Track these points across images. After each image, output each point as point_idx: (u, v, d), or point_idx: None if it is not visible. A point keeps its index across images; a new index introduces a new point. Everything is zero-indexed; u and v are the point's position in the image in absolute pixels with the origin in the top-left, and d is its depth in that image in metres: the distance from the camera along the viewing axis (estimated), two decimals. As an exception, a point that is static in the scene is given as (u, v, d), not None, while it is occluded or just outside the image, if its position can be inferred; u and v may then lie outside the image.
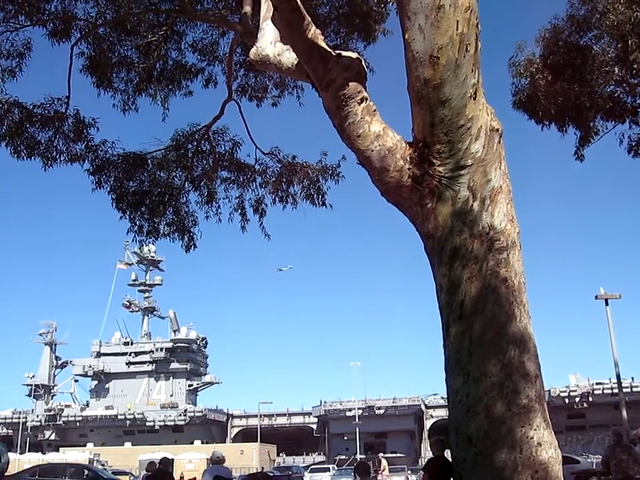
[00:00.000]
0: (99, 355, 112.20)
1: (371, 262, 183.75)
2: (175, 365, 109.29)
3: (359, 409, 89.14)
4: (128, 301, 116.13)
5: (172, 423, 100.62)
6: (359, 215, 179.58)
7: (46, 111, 12.06)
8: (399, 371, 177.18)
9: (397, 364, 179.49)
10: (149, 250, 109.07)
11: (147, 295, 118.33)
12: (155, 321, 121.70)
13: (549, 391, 78.95)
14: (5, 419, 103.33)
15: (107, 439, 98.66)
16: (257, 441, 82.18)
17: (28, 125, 12.02)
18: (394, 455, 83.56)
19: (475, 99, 5.67)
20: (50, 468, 31.72)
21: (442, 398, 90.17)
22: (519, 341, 5.48)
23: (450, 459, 9.37)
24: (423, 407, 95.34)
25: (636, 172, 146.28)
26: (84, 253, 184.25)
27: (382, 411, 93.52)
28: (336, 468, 58.81)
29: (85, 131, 12.49)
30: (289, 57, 7.27)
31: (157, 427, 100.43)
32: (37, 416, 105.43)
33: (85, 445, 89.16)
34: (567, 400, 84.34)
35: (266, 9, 8.06)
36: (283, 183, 13.69)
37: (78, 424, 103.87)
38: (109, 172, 12.79)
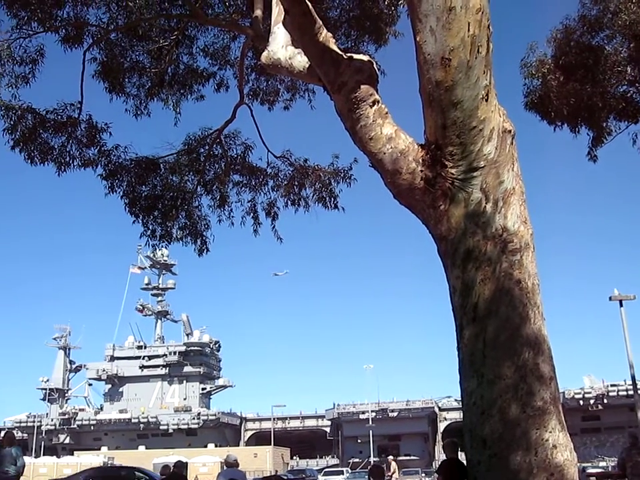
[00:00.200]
0: (112, 358, 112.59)
1: (383, 265, 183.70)
2: (188, 369, 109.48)
3: (372, 411, 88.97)
4: (141, 305, 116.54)
5: (185, 427, 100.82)
6: (371, 218, 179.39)
7: (59, 117, 12.13)
8: (412, 373, 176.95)
9: (410, 366, 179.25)
10: (161, 254, 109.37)
11: (159, 298, 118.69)
12: (168, 324, 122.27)
13: (563, 392, 78.49)
14: (20, 422, 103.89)
15: (121, 442, 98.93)
16: (270, 444, 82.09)
17: (41, 131, 12.09)
18: (408, 457, 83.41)
19: (487, 100, 5.66)
20: (102, 471, 31.96)
21: (455, 400, 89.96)
22: (533, 342, 5.46)
23: (464, 461, 9.35)
24: (436, 409, 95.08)
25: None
26: (97, 256, 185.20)
27: (395, 414, 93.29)
28: (349, 471, 58.75)
29: (97, 136, 12.55)
30: (300, 61, 7.28)
31: (170, 431, 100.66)
32: (52, 420, 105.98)
33: (99, 449, 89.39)
34: (581, 402, 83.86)
35: (277, 12, 8.08)
36: (295, 186, 13.70)
37: (92, 427, 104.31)
38: (122, 176, 12.85)
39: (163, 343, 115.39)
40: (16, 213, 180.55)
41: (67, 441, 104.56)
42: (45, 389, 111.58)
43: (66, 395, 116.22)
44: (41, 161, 12.16)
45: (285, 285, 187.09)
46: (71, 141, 12.40)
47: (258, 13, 9.88)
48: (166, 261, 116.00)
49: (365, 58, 6.42)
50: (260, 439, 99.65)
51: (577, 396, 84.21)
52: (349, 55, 6.36)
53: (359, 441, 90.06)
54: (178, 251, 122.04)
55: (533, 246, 5.81)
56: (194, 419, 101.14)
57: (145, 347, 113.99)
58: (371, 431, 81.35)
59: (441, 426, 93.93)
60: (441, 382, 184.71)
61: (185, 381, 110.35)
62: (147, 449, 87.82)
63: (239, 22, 12.60)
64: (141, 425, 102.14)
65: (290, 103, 14.48)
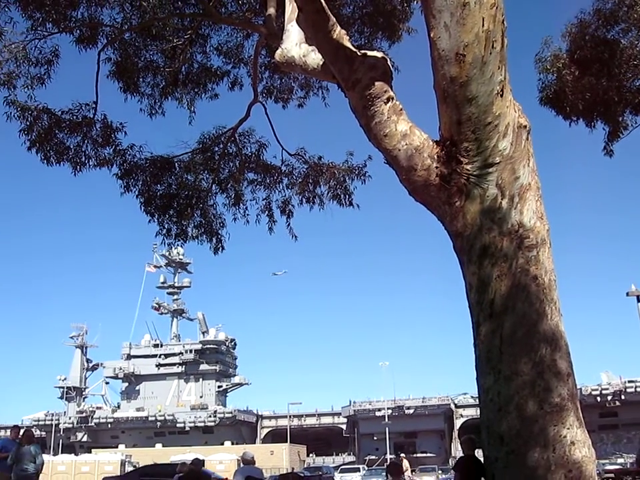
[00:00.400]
0: (129, 357, 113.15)
1: (398, 262, 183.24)
2: (204, 367, 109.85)
3: (388, 408, 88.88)
4: (157, 303, 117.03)
5: (202, 424, 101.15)
6: (386, 215, 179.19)
7: (74, 117, 12.20)
8: (428, 370, 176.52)
9: (426, 364, 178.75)
10: (177, 253, 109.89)
11: (175, 297, 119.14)
12: (184, 322, 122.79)
13: (581, 389, 77.99)
14: (38, 421, 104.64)
15: (138, 440, 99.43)
16: (286, 442, 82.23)
17: (57, 131, 12.17)
18: (424, 454, 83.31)
19: (502, 96, 5.63)
20: (158, 468, 32.34)
21: (472, 397, 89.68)
22: (551, 339, 5.44)
23: (480, 458, 9.33)
24: (452, 406, 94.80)
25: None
26: (113, 254, 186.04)
27: (411, 411, 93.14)
28: (366, 468, 58.77)
29: (112, 135, 12.61)
30: (314, 58, 7.28)
31: (187, 428, 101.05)
32: (69, 418, 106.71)
33: (116, 447, 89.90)
34: (598, 398, 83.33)
35: (290, 10, 8.08)
36: (310, 184, 13.70)
37: (109, 425, 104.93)
38: (137, 176, 12.91)
39: (179, 341, 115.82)
40: (34, 210, 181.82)
41: (85, 439, 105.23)
42: (63, 388, 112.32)
43: (83, 393, 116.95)
44: (57, 161, 12.24)
45: (301, 282, 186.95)
46: (86, 141, 12.47)
47: (271, 11, 9.89)
48: (181, 259, 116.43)
49: (379, 55, 6.41)
50: (276, 436, 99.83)
51: (594, 392, 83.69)
52: (362, 51, 6.36)
53: (375, 438, 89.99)
54: (193, 249, 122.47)
55: (550, 242, 5.78)
56: (210, 416, 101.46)
57: (161, 345, 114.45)
58: (387, 428, 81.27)
59: (457, 423, 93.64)
60: (456, 379, 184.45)
61: (201, 379, 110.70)
62: (163, 446, 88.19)
63: (252, 20, 12.62)
64: (158, 423, 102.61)
65: (304, 100, 14.49)
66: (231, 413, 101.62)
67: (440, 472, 53.62)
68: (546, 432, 5.24)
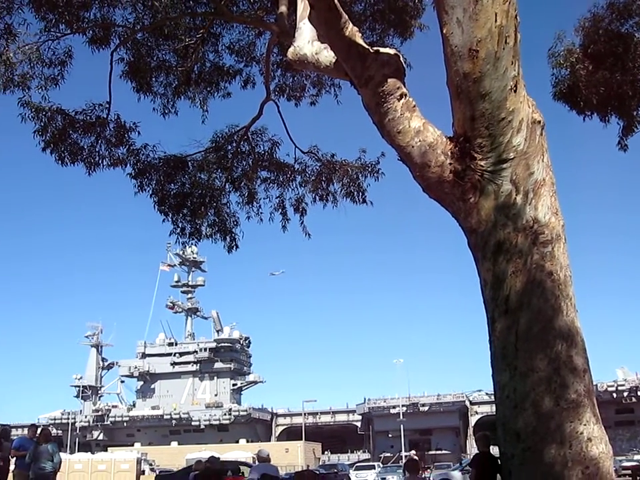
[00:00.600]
0: (144, 355, 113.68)
1: (413, 260, 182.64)
2: (218, 365, 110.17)
3: (403, 405, 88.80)
4: (171, 302, 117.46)
5: (217, 422, 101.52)
6: (400, 212, 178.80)
7: (88, 117, 12.24)
8: (442, 367, 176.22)
9: (440, 361, 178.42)
10: (191, 251, 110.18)
11: (189, 295, 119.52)
12: (198, 321, 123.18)
13: (596, 385, 77.63)
14: (55, 419, 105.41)
15: (153, 438, 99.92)
16: (301, 439, 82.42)
17: (71, 132, 12.20)
18: (439, 451, 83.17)
19: (515, 91, 5.62)
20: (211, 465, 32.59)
21: (486, 394, 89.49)
22: (566, 335, 5.42)
23: (495, 455, 9.31)
24: (467, 403, 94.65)
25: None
26: (127, 253, 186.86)
27: (426, 408, 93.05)
28: (381, 465, 58.74)
29: (126, 135, 12.64)
30: (326, 56, 7.28)
31: (202, 427, 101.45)
32: (85, 416, 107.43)
33: (132, 445, 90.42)
34: (614, 395, 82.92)
35: (302, 8, 8.08)
36: (323, 182, 13.69)
37: (125, 424, 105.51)
38: (151, 175, 12.94)
39: (194, 339, 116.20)
40: (50, 209, 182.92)
41: (101, 437, 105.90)
42: (79, 387, 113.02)
43: (99, 392, 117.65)
44: (71, 161, 12.28)
45: (315, 280, 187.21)
46: (100, 141, 12.50)
47: (283, 9, 9.89)
48: (195, 258, 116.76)
49: (392, 51, 6.40)
50: (291, 434, 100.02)
51: (610, 389, 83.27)
52: (375, 48, 6.35)
53: (390, 435, 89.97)
54: (207, 248, 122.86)
55: (565, 237, 5.76)
56: (225, 414, 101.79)
57: (176, 344, 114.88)
58: (402, 426, 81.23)
59: (472, 420, 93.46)
60: (471, 376, 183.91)
61: (215, 377, 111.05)
62: (179, 444, 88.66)
63: (264, 18, 12.63)
64: (173, 421, 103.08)
65: (316, 98, 14.47)
66: (246, 411, 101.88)
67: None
68: (562, 428, 5.22)
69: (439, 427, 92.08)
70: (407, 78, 6.39)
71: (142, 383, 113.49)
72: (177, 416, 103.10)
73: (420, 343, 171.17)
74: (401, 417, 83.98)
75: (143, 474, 48.93)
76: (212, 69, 13.62)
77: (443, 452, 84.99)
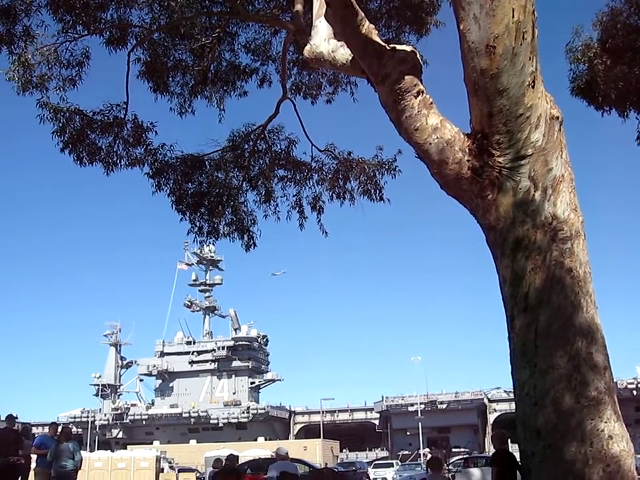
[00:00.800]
0: (162, 354, 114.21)
1: (430, 258, 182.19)
2: (236, 363, 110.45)
3: (421, 403, 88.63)
4: (189, 301, 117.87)
5: (235, 420, 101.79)
6: (417, 210, 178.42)
7: (106, 117, 12.33)
8: (460, 365, 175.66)
9: (458, 358, 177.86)
10: (208, 250, 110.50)
11: (207, 294, 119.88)
12: (216, 320, 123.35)
13: (616, 382, 76.33)
14: (75, 418, 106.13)
15: (172, 436, 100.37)
16: (319, 437, 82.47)
17: (89, 132, 12.30)
18: (458, 449, 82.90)
19: (533, 87, 5.59)
20: (261, 462, 32.95)
21: (505, 392, 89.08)
22: (586, 331, 5.39)
23: (512, 452, 9.27)
24: (485, 400, 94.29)
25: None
26: (144, 252, 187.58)
27: (444, 406, 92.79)
28: (399, 463, 58.67)
29: (143, 135, 12.72)
30: (343, 53, 7.28)
31: (220, 425, 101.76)
32: (105, 415, 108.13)
33: (151, 443, 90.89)
34: (634, 392, 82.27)
35: (318, 6, 8.09)
36: (340, 180, 13.69)
37: (144, 422, 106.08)
38: (168, 175, 13.02)
39: (212, 338, 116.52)
40: (69, 207, 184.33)
41: (120, 435, 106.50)
42: (98, 385, 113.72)
43: (118, 390, 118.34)
44: (89, 161, 12.37)
45: (333, 278, 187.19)
46: (117, 141, 12.59)
47: (298, 7, 9.90)
48: (212, 256, 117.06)
49: (408, 48, 6.40)
50: (309, 432, 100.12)
51: (630, 386, 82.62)
52: (391, 45, 6.35)
53: (408, 433, 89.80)
54: (224, 246, 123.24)
55: (584, 234, 5.73)
56: (243, 412, 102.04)
57: (194, 343, 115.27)
58: (420, 423, 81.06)
59: (491, 417, 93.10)
60: (489, 374, 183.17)
61: (233, 376, 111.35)
62: (197, 442, 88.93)
63: (280, 17, 12.64)
64: (192, 420, 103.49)
65: (332, 96, 14.48)
66: (264, 409, 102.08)
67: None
68: (583, 426, 5.19)
69: (457, 424, 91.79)
70: (423, 75, 6.39)
71: (160, 381, 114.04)
72: (196, 414, 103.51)
73: (437, 342, 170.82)
74: (419, 414, 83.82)
75: (162, 472, 49.14)
76: (228, 68, 13.66)
77: (462, 450, 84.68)
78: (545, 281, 5.47)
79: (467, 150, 5.84)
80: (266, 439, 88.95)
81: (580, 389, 5.25)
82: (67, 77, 11.94)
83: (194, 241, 13.79)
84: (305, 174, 13.93)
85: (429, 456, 33.94)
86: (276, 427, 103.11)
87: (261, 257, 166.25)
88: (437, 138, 5.94)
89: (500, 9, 5.42)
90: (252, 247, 13.69)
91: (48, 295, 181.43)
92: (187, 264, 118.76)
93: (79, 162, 12.30)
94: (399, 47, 6.35)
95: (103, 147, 12.50)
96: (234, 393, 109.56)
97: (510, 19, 5.42)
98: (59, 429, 15.55)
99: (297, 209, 14.00)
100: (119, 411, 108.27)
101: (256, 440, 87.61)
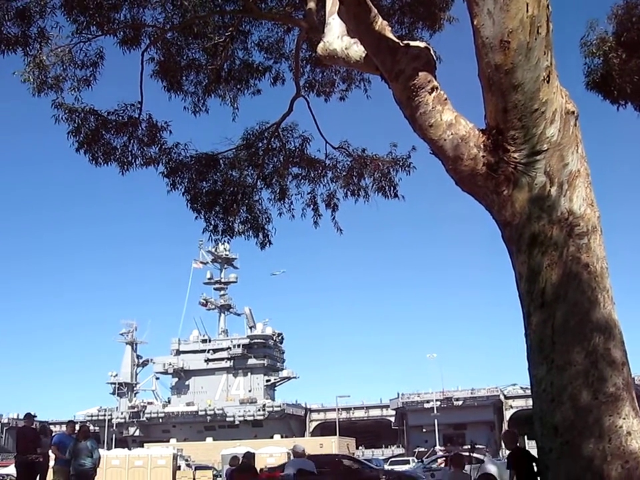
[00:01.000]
0: (178, 352, 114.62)
1: (445, 254, 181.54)
2: (252, 361, 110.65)
3: (437, 400, 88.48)
4: (204, 299, 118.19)
5: (251, 418, 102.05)
6: (433, 207, 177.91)
7: (120, 117, 12.39)
8: (476, 362, 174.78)
9: (474, 355, 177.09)
10: (223, 248, 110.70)
11: (222, 292, 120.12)
12: (231, 318, 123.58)
13: (634, 378, 76.48)
14: (92, 416, 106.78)
15: (188, 434, 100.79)
16: (335, 435, 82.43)
17: (104, 132, 12.36)
18: (467, 446, 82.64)
19: (548, 82, 5.56)
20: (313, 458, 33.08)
21: (521, 388, 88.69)
22: (604, 327, 5.36)
23: (526, 449, 9.21)
24: (502, 397, 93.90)
25: None
26: (159, 250, 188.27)
27: (460, 402, 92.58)
28: (415, 460, 58.60)
29: (158, 134, 12.77)
30: (356, 50, 7.27)
31: (236, 422, 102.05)
32: (122, 413, 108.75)
33: (168, 441, 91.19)
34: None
35: (331, 3, 8.09)
36: (354, 177, 13.69)
37: (160, 420, 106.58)
38: (183, 173, 13.07)
39: (227, 336, 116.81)
40: (85, 205, 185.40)
41: (137, 433, 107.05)
42: (114, 384, 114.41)
43: (134, 388, 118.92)
44: (104, 161, 12.43)
45: (347, 275, 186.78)
46: (132, 141, 12.64)
47: (311, 4, 9.90)
48: (227, 255, 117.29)
49: (422, 45, 6.38)
50: (325, 429, 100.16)
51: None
52: (405, 42, 6.34)
53: (424, 430, 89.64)
54: (239, 244, 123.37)
55: (601, 229, 5.70)
56: (259, 410, 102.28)
57: (210, 341, 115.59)
58: (436, 420, 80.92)
59: (507, 414, 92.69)
60: (505, 370, 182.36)
61: (249, 373, 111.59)
62: (214, 440, 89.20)
63: (293, 15, 12.64)
64: (208, 417, 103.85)
65: (346, 93, 14.47)
66: (280, 406, 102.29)
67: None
68: (601, 422, 5.17)
69: (473, 421, 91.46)
70: (437, 71, 6.37)
71: (176, 379, 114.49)
72: (212, 412, 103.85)
73: (453, 339, 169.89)
74: (435, 411, 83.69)
75: (179, 469, 49.31)
76: (241, 67, 13.69)
77: (478, 446, 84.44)
78: (561, 276, 5.45)
79: (481, 146, 5.82)
80: (282, 437, 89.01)
81: (598, 385, 5.23)
82: (82, 78, 11.99)
83: (209, 239, 13.85)
84: (319, 171, 13.94)
85: (439, 453, 33.86)
86: (292, 424, 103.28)
87: (275, 254, 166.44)
88: (452, 134, 5.92)
89: (514, 3, 5.39)
90: (267, 244, 13.72)
91: (65, 292, 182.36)
92: (201, 262, 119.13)
93: (94, 162, 12.36)
94: (412, 43, 6.35)
95: (118, 147, 12.56)
96: (250, 391, 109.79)
97: (524, 14, 5.40)
98: (77, 427, 15.65)
99: (312, 206, 14.02)
100: (136, 409, 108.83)
101: (272, 437, 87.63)
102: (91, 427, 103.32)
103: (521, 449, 9.89)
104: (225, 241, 14.28)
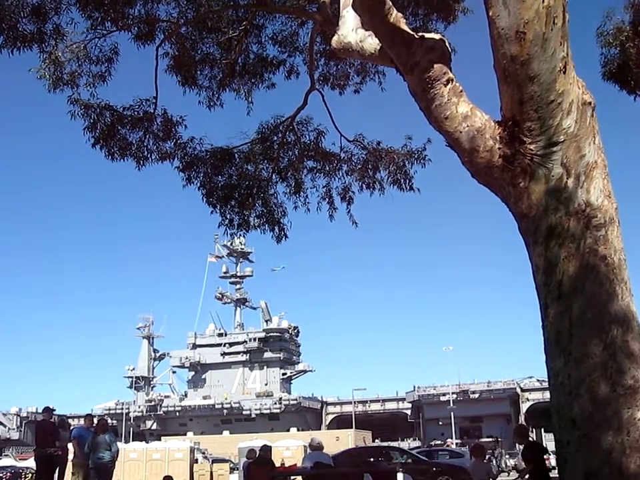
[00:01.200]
0: (194, 346, 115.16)
1: (460, 251, 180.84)
2: (268, 355, 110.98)
3: (453, 393, 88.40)
4: (220, 293, 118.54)
5: (268, 411, 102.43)
6: (450, 203, 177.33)
7: (135, 113, 12.43)
8: (492, 355, 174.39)
9: (489, 349, 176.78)
10: (239, 242, 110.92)
11: (238, 286, 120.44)
12: (247, 311, 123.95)
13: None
14: (109, 410, 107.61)
15: (205, 427, 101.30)
16: (351, 428, 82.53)
17: (119, 127, 12.41)
18: (490, 439, 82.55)
19: (564, 72, 5.52)
20: (362, 451, 33.32)
21: (537, 381, 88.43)
22: (622, 319, 5.33)
23: (538, 442, 9.14)
24: (518, 390, 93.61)
25: None
26: (175, 245, 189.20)
27: (476, 395, 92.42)
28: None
29: (173, 129, 12.81)
30: (371, 43, 7.26)
31: (253, 416, 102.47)
32: (139, 406, 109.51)
33: (185, 434, 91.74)
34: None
35: (346, -4, 8.06)
36: (369, 170, 13.66)
37: (177, 414, 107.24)
38: (198, 168, 13.10)
39: (243, 329, 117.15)
40: (103, 202, 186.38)
41: (154, 427, 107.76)
42: (131, 377, 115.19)
43: (151, 382, 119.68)
44: (120, 156, 12.49)
45: (364, 271, 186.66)
46: (148, 136, 12.68)
47: (325, -3, 9.87)
48: (243, 249, 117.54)
49: (437, 36, 6.36)
50: (341, 422, 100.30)
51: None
52: (420, 34, 6.31)
53: (440, 423, 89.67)
54: (254, 238, 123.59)
55: (618, 220, 5.66)
56: (276, 403, 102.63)
57: (226, 334, 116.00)
58: (452, 413, 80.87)
59: (523, 407, 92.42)
60: (521, 363, 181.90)
61: (265, 367, 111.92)
62: (230, 433, 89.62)
63: (307, 8, 12.61)
64: (225, 411, 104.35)
65: (360, 86, 14.43)
66: (296, 399, 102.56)
67: (507, 457, 53.04)
68: (619, 415, 5.14)
69: (489, 414, 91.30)
70: (452, 63, 6.34)
71: (193, 373, 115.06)
72: (228, 405, 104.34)
73: (469, 332, 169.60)
74: (451, 404, 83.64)
75: (197, 462, 49.54)
76: (256, 61, 13.69)
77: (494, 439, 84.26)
78: (578, 268, 5.42)
79: (497, 138, 5.80)
80: (298, 430, 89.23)
81: (616, 377, 5.20)
82: (97, 73, 12.03)
83: (224, 233, 13.89)
84: (335, 165, 13.92)
85: (452, 446, 33.82)
86: (308, 417, 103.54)
87: (291, 248, 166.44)
88: (468, 126, 5.90)
89: (530, -6, 5.35)
90: (283, 238, 13.73)
91: (83, 288, 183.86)
92: (217, 257, 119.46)
93: (110, 157, 12.42)
94: (427, 35, 6.33)
95: (134, 142, 12.60)
96: (266, 384, 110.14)
97: (540, 4, 5.36)
98: (95, 420, 15.78)
99: (327, 199, 14.01)
100: (153, 403, 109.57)
101: (288, 430, 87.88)
102: (109, 421, 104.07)
103: (533, 443, 9.86)
104: (240, 235, 14.31)
